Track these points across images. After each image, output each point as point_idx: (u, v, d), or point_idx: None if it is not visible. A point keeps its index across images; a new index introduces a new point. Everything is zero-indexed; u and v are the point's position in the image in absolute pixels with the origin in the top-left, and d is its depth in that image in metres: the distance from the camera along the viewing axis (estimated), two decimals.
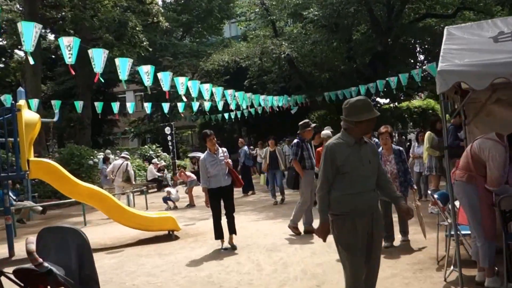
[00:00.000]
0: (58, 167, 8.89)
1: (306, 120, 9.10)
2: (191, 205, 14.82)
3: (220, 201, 7.96)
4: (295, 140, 8.75)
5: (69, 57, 8.46)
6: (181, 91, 11.62)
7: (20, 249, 9.33)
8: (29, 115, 8.86)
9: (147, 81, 10.35)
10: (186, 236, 9.41)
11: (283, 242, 8.19)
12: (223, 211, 8.03)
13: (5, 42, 34.55)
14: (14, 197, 13.34)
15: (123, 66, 9.45)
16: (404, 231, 7.31)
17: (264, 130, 30.11)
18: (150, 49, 26.20)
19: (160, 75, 10.99)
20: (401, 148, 7.15)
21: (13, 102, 8.70)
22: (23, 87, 23.14)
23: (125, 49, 24.49)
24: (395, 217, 6.91)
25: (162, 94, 23.93)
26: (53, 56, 35.13)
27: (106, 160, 17.68)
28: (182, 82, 11.60)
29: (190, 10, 36.40)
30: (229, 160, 7.98)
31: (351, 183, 3.83)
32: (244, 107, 19.42)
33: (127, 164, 14.30)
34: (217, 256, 7.50)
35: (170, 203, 14.55)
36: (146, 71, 10.32)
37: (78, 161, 19.62)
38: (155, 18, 29.73)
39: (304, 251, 7.44)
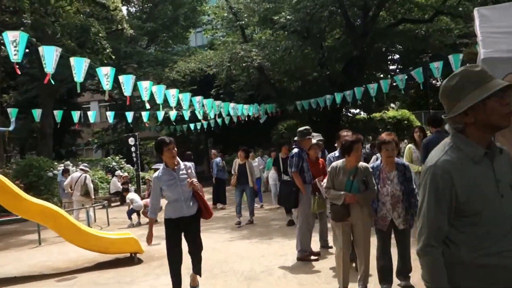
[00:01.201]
0: (2, 179, 7.80)
1: (306, 127, 7.80)
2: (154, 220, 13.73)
3: (181, 237, 5.83)
4: (294, 150, 7.51)
5: (15, 54, 7.41)
6: (145, 96, 10.66)
7: None
8: None
9: (106, 84, 9.36)
10: (150, 259, 8.42)
11: (262, 269, 7.18)
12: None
13: None
14: None
15: (79, 67, 8.47)
16: None
17: (231, 140, 29.33)
18: (114, 57, 25.09)
19: (121, 78, 10.01)
20: (406, 163, 5.55)
21: None
22: None
23: (87, 56, 23.35)
24: None
25: (129, 105, 23.16)
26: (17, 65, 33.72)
27: (65, 172, 16.55)
28: (146, 87, 10.65)
29: (155, 19, 35.42)
30: (195, 180, 5.66)
31: (488, 233, 2.12)
32: (212, 116, 18.54)
33: (85, 177, 13.20)
34: (187, 286, 6.57)
35: (134, 218, 13.48)
36: (105, 73, 9.35)
37: (37, 173, 18.45)
38: (119, 25, 28.74)
39: (288, 281, 6.46)
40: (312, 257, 7.27)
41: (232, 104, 17.12)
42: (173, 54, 34.97)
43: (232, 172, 11.91)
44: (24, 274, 7.98)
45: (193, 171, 5.93)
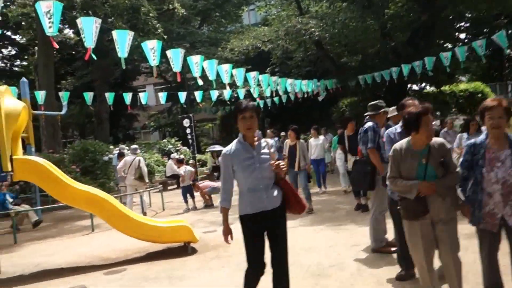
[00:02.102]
0: (46, 166, 7.18)
1: (379, 100, 6.68)
2: (209, 205, 13.07)
3: (263, 238, 4.22)
4: (368, 124, 6.37)
5: (49, 26, 6.67)
6: (196, 72, 9.82)
7: (11, 263, 7.81)
8: (10, 103, 7.13)
9: (153, 59, 8.56)
10: (205, 249, 7.63)
11: (331, 262, 6.15)
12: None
13: (24, 39, 34.02)
14: (11, 200, 11.84)
15: (122, 41, 7.69)
16: None
17: (289, 120, 28.28)
18: (166, 37, 24.50)
19: (169, 52, 9.19)
20: None
21: None
22: (39, 81, 22.17)
23: (138, 37, 22.96)
24: None
25: (183, 87, 22.57)
26: (73, 52, 34.05)
27: (120, 156, 16.02)
28: (196, 62, 9.78)
29: None
30: (282, 162, 4.12)
31: None
32: (268, 94, 17.55)
33: (139, 160, 12.59)
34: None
35: (190, 202, 12.80)
36: (151, 47, 8.55)
37: (92, 157, 18.16)
38: (170, 5, 28.23)
39: (364, 278, 5.41)
40: (392, 248, 6.19)
41: (289, 80, 15.99)
42: (226, 33, 34.26)
43: (283, 154, 10.64)
44: (72, 264, 7.40)
45: (275, 149, 4.35)
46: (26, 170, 7.08)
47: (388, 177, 4.15)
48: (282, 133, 17.77)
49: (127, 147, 19.10)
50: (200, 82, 9.96)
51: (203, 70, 10.27)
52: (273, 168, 4.01)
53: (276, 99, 21.62)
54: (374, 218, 6.33)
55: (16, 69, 37.68)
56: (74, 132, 37.76)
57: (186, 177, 12.94)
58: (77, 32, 32.60)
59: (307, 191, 10.17)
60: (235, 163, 4.00)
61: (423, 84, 25.52)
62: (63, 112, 14.45)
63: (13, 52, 37.40)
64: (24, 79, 12.55)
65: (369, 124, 6.34)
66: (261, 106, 22.78)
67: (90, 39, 7.05)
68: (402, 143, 4.10)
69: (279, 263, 4.16)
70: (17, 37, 35.47)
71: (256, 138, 4.07)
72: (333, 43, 21.00)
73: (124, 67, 8.30)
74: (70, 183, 7.38)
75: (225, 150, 4.10)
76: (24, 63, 36.46)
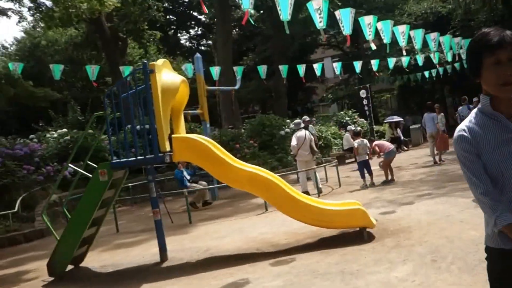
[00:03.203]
0: (207, 145, 6.83)
1: None
2: (387, 180, 12.01)
3: None
4: None
5: (320, 21, 7.24)
6: (369, 34, 8.79)
7: (181, 247, 7.78)
8: (169, 77, 6.83)
9: (320, 21, 7.78)
10: (383, 235, 6.71)
11: None
12: None
13: (207, 19, 35.83)
14: (188, 177, 12.08)
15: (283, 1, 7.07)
16: None
17: (471, 88, 25.25)
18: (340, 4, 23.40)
19: (338, 13, 8.30)
20: None
21: (145, 61, 6.78)
22: (217, 58, 22.93)
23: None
24: None
25: (360, 57, 21.46)
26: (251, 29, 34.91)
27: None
28: (369, 23, 8.74)
29: None
30: None
31: None
32: (450, 59, 15.58)
33: (305, 133, 12.00)
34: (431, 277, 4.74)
35: (367, 178, 11.88)
36: (316, 8, 7.74)
37: (269, 132, 18.18)
38: None
39: None
40: None
41: None
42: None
43: None
44: (240, 251, 7.06)
45: None
46: (186, 149, 6.81)
47: None
48: (475, 99, 15.97)
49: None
50: (373, 46, 8.93)
51: (377, 33, 9.18)
52: None
53: (457, 64, 19.41)
54: None
55: (202, 48, 39.80)
56: (254, 107, 38.83)
57: (361, 151, 11.98)
58: (257, 8, 33.48)
59: None
60: (483, 150, 2.10)
61: None
62: (237, 87, 14.42)
63: (200, 32, 39.50)
64: (198, 54, 12.68)
65: None
66: (441, 73, 20.71)
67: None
68: None
69: None
70: (202, 17, 37.34)
71: None
72: None
73: (287, 31, 7.70)
74: (233, 163, 6.98)
75: (458, 130, 2.24)
76: (210, 42, 38.26)
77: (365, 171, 11.94)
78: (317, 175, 11.98)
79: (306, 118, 15.67)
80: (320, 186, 11.93)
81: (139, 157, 7.07)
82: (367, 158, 11.97)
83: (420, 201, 8.95)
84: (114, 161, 7.22)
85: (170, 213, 10.50)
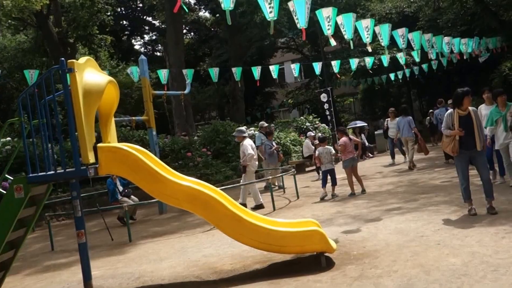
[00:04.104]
0: (138, 155, 5.71)
1: None
2: (354, 193, 10.89)
3: None
4: None
5: (328, 29, 7.02)
6: (328, 29, 7.81)
7: (111, 273, 6.61)
8: (93, 77, 5.66)
9: (270, 12, 6.77)
10: (345, 261, 5.67)
11: None
12: None
13: (160, 22, 34.70)
14: (121, 189, 10.89)
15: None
16: None
17: (439, 92, 24.86)
18: None
19: (292, 4, 7.27)
20: None
21: (62, 59, 5.58)
22: (168, 61, 21.78)
23: None
24: None
25: (320, 59, 20.65)
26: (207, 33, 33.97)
27: (269, 135, 14.12)
28: (328, 17, 7.74)
29: None
30: None
31: None
32: (417, 58, 14.88)
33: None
34: None
35: (327, 188, 10.90)
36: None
37: (223, 139, 17.11)
38: None
39: None
40: None
41: (446, 39, 13.13)
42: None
43: None
44: (177, 279, 5.93)
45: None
46: (113, 161, 5.66)
47: None
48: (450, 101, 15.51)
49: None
50: (333, 42, 7.95)
51: (338, 31, 8.22)
52: None
53: (425, 66, 18.78)
54: None
55: (158, 53, 38.57)
56: (211, 113, 37.67)
57: (324, 159, 11.05)
58: (213, 12, 32.59)
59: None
60: None
61: None
62: (187, 91, 13.28)
63: (154, 37, 38.31)
64: (142, 56, 11.53)
65: None
66: (407, 75, 20.08)
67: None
68: None
69: None
70: (157, 22, 36.18)
71: None
72: None
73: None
74: (168, 176, 5.86)
75: None
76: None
77: (330, 182, 11.07)
78: (271, 187, 11.00)
79: (264, 124, 14.71)
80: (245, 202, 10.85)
81: (58, 171, 5.88)
82: (332, 167, 11.11)
83: (389, 217, 7.97)
84: (31, 175, 6.00)
85: (114, 227, 9.37)
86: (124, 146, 6.00)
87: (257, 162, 11.06)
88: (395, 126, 14.76)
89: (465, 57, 16.29)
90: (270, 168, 13.56)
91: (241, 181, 11.09)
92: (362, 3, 25.93)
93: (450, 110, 7.35)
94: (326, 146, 11.44)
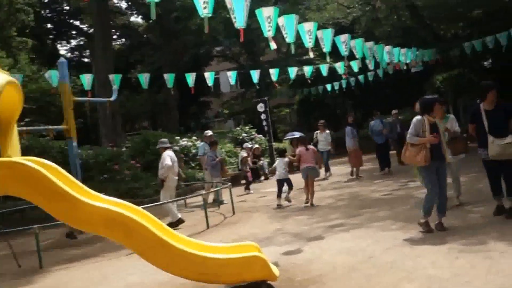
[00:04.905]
0: (44, 173, 4.73)
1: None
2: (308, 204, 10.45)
3: None
4: None
5: (269, 30, 6.64)
6: (268, 31, 7.09)
7: None
8: None
9: (204, 7, 6.00)
10: None
11: None
12: None
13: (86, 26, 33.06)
14: None
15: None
16: None
17: (374, 103, 25.02)
18: None
19: (230, 2, 6.51)
20: None
21: None
22: (96, 66, 20.46)
23: None
24: None
25: (257, 68, 20.02)
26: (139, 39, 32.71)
27: (212, 145, 13.10)
28: (269, 17, 7.00)
29: None
30: None
31: None
32: (356, 69, 14.56)
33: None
34: None
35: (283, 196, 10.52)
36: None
37: (154, 150, 16.02)
38: None
39: None
40: None
41: (387, 48, 12.85)
42: (303, 9, 31.29)
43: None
44: None
45: None
46: (12, 180, 4.65)
47: None
48: (394, 111, 15.89)
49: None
50: (273, 46, 7.23)
51: (277, 28, 7.50)
52: None
53: (361, 77, 18.60)
54: None
55: (86, 59, 36.84)
56: (143, 123, 36.20)
57: (278, 168, 11.17)
58: (146, 18, 31.44)
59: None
60: None
61: None
62: (113, 98, 12.20)
63: (82, 43, 36.58)
64: (62, 59, 10.36)
65: None
66: (344, 86, 19.87)
67: None
68: None
69: None
70: (85, 27, 34.56)
71: None
72: (430, 5, 17.52)
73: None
74: (82, 197, 4.91)
75: None
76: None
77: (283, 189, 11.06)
78: (205, 202, 10.17)
79: (209, 133, 13.83)
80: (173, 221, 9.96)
81: None
82: (287, 176, 11.03)
83: (332, 234, 7.32)
84: None
85: (24, 252, 8.27)
86: (28, 161, 4.98)
87: (176, 177, 10.13)
88: (325, 139, 14.87)
89: (400, 69, 16.18)
90: (206, 182, 12.76)
91: (161, 197, 10.18)
92: (301, 11, 25.68)
93: (418, 117, 6.72)
94: (282, 158, 11.34)
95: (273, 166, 11.44)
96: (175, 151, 15.92)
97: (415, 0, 16.49)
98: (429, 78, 23.31)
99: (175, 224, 9.69)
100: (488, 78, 10.64)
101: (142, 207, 5.77)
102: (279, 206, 10.68)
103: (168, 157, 9.92)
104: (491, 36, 14.68)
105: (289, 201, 10.90)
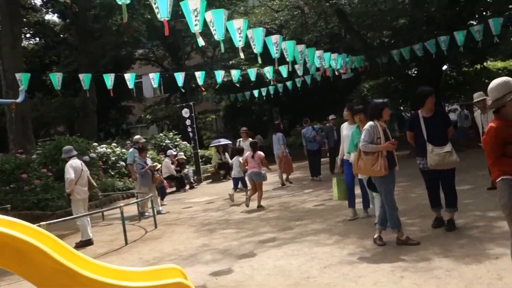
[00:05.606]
0: None
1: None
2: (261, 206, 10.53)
3: None
4: None
5: (196, 24, 6.20)
6: (195, 25, 6.33)
7: None
8: None
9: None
10: None
11: None
12: None
13: None
14: None
15: None
16: None
17: (301, 110, 24.88)
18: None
19: None
20: None
21: None
22: (3, 65, 18.70)
23: None
24: None
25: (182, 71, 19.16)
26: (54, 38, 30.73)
27: (141, 151, 12.01)
28: (195, 9, 6.20)
29: None
30: None
31: None
32: (285, 74, 14.12)
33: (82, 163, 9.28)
34: None
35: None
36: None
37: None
38: None
39: None
40: None
41: (318, 52, 12.44)
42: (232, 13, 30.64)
43: None
44: None
45: None
46: None
47: None
48: (332, 117, 15.41)
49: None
50: (201, 42, 6.48)
51: (205, 24, 6.75)
52: None
53: (289, 83, 18.24)
54: None
55: None
56: (57, 128, 33.88)
57: (234, 167, 12.17)
58: (62, 16, 29.62)
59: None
60: None
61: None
62: (19, 100, 10.91)
63: None
64: None
65: None
66: (271, 92, 19.43)
67: None
68: None
69: None
70: None
71: None
72: (357, 14, 17.50)
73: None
74: None
75: None
76: None
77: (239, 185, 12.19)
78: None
79: (141, 139, 12.88)
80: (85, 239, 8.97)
81: None
82: (242, 175, 11.89)
83: (264, 250, 6.65)
84: None
85: None
86: None
87: (85, 188, 9.11)
88: (248, 147, 14.33)
89: (329, 75, 15.96)
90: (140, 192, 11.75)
91: (73, 212, 9.15)
92: (228, 14, 25.17)
93: (371, 123, 6.07)
94: (238, 156, 12.00)
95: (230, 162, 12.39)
96: (92, 158, 14.92)
97: (343, 6, 16.29)
98: (356, 86, 23.44)
99: (83, 243, 8.68)
100: (414, 86, 10.49)
101: (51, 222, 4.84)
102: (230, 197, 11.86)
103: (71, 169, 8.80)
104: (419, 44, 14.77)
105: (247, 205, 10.85)
